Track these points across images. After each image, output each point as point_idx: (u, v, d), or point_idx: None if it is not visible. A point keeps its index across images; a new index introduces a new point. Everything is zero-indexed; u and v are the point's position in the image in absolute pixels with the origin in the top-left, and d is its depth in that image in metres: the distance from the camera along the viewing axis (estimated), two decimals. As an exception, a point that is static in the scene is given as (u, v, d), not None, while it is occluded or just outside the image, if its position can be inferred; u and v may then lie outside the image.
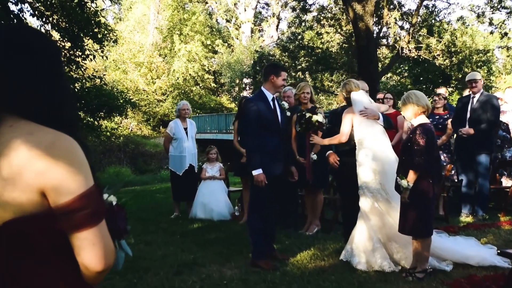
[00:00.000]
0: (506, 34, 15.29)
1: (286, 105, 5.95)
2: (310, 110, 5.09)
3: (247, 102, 4.51)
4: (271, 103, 4.40)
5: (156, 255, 4.63)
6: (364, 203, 4.13)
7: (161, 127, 27.68)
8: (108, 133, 15.58)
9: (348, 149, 4.46)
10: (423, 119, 3.79)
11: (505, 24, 15.34)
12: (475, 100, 6.16)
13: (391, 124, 4.65)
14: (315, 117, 4.93)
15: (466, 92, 7.50)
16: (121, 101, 13.50)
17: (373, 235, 4.05)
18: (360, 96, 4.44)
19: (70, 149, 1.05)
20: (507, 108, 7.20)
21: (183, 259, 4.45)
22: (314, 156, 5.19)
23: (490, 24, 15.02)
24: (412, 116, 3.80)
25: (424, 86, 18.20)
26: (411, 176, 3.64)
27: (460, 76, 16.82)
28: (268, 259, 4.25)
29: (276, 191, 4.39)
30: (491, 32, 16.05)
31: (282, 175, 4.48)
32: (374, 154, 4.16)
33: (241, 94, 29.19)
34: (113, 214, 1.20)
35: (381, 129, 4.36)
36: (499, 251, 3.59)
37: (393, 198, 4.04)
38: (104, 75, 13.74)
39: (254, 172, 4.15)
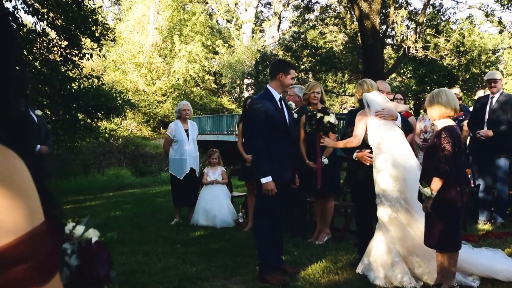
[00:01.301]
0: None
1: (293, 105, 5.62)
2: (322, 110, 4.75)
3: (253, 102, 4.14)
4: (279, 103, 4.04)
5: (155, 268, 4.28)
6: (383, 213, 3.78)
7: (161, 128, 27.38)
8: (106, 134, 15.25)
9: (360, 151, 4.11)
10: (449, 121, 3.44)
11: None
12: (494, 100, 5.82)
13: (410, 128, 4.28)
14: (326, 118, 4.61)
15: (480, 93, 7.15)
16: (120, 101, 13.15)
17: (392, 248, 3.70)
18: (375, 96, 4.09)
19: (5, 168, 0.62)
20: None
21: (185, 273, 4.10)
22: (326, 160, 4.86)
23: (499, 23, 14.63)
24: (437, 117, 3.45)
25: (428, 87, 17.84)
26: (436, 184, 3.28)
27: (467, 76, 16.41)
28: (277, 273, 3.90)
29: (284, 198, 4.04)
30: (500, 31, 15.67)
31: (291, 181, 4.14)
32: (394, 159, 3.81)
33: (242, 95, 28.91)
34: (92, 256, 0.85)
35: (400, 132, 4.01)
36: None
37: (414, 208, 3.69)
38: (102, 74, 13.35)
39: (263, 180, 3.77)
